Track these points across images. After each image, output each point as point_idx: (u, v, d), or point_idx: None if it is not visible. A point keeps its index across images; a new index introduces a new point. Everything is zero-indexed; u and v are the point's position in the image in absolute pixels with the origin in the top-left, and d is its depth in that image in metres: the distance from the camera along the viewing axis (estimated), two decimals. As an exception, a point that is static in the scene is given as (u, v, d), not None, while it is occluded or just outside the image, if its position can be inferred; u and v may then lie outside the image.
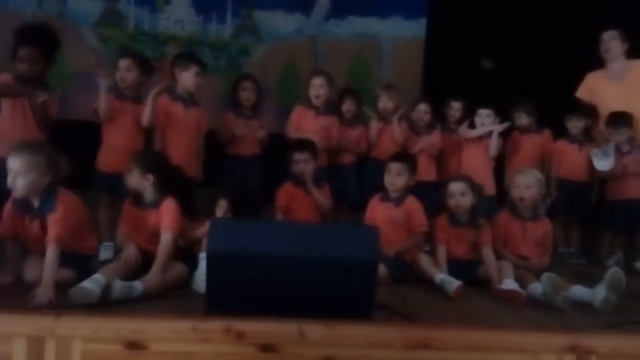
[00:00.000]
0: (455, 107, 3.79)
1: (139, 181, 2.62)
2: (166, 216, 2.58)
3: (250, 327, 1.72)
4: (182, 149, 3.15)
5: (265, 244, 2.03)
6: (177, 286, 2.50)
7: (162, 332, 1.69)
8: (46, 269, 2.25)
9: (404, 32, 5.30)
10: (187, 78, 3.23)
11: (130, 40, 5.05)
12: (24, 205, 2.44)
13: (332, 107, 3.67)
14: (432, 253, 2.89)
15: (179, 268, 2.56)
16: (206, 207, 2.83)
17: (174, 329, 1.70)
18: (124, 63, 3.13)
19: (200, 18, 5.17)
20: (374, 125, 3.63)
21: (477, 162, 3.50)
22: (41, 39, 2.96)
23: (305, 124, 3.56)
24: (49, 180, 2.42)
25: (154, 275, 2.41)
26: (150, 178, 2.61)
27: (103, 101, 3.04)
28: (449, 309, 2.46)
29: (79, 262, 2.52)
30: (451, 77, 4.57)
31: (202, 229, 2.64)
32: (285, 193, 3.12)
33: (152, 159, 2.74)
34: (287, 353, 1.73)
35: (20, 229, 2.47)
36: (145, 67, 3.20)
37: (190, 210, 2.76)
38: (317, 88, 3.57)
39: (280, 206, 3.09)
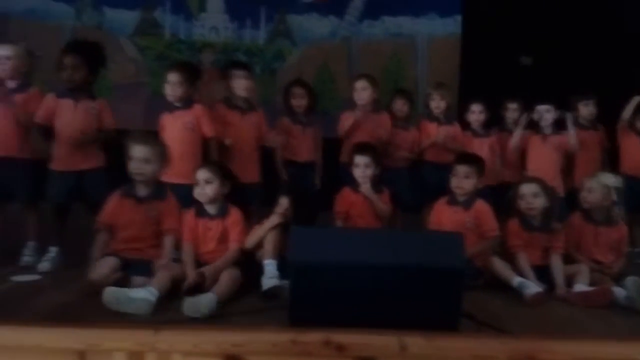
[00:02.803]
0: (512, 108, 3.68)
1: (219, 191, 2.62)
2: (235, 228, 2.60)
3: (350, 339, 1.66)
4: (241, 156, 3.15)
5: (349, 253, 1.98)
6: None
7: (261, 345, 1.65)
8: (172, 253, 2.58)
9: (439, 30, 5.22)
10: (239, 84, 3.22)
11: (168, 49, 5.05)
12: (131, 193, 2.64)
13: (380, 107, 3.60)
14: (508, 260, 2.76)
15: (236, 274, 2.51)
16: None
17: (273, 342, 1.65)
18: (173, 77, 3.08)
19: (235, 24, 5.15)
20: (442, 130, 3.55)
21: (543, 162, 3.39)
22: (85, 50, 2.98)
23: (355, 127, 3.50)
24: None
25: (224, 288, 2.36)
26: (228, 188, 2.62)
27: None
28: (529, 315, 2.37)
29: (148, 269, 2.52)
30: (489, 74, 4.48)
31: (256, 235, 2.62)
32: (344, 199, 3.05)
33: (225, 169, 2.74)
34: (387, 367, 1.67)
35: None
36: (194, 76, 3.15)
37: (246, 218, 2.75)
38: (360, 91, 3.52)
39: (339, 212, 3.02)
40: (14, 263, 2.81)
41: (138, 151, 2.59)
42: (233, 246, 2.59)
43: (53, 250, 2.82)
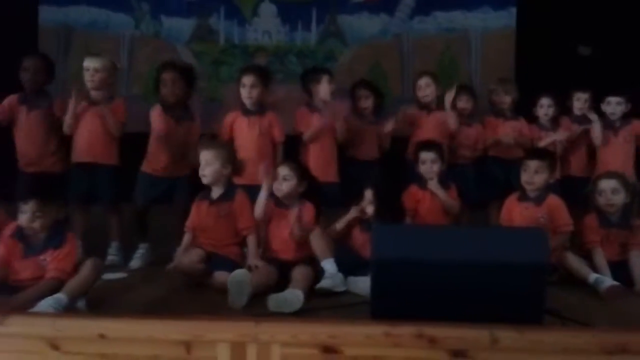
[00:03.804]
0: (583, 99, 3.62)
1: (295, 189, 2.77)
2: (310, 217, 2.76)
3: (442, 332, 1.73)
4: (322, 156, 3.29)
5: (432, 250, 2.03)
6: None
7: (355, 337, 1.73)
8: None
9: (493, 23, 5.18)
10: (322, 89, 3.34)
11: (222, 54, 5.22)
12: (206, 196, 2.81)
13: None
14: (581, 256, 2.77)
15: (309, 271, 2.63)
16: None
17: (367, 334, 1.72)
18: (248, 80, 3.23)
19: (287, 27, 5.26)
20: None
21: (615, 155, 3.37)
22: (179, 68, 3.24)
23: (420, 124, 3.58)
24: (228, 172, 2.79)
25: (300, 284, 2.48)
26: (304, 186, 2.76)
27: (70, 116, 3.13)
28: (608, 311, 2.38)
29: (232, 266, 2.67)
30: (545, 67, 4.44)
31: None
32: (411, 196, 3.12)
33: (304, 168, 2.88)
34: (478, 359, 1.73)
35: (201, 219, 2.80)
36: (267, 79, 3.30)
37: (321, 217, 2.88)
38: (424, 88, 3.59)
39: (407, 210, 3.09)
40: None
41: (200, 156, 2.77)
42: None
43: (143, 248, 3.03)
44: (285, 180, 2.75)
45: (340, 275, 2.58)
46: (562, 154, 3.55)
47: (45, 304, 2.12)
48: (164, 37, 5.15)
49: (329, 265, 2.62)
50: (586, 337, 1.74)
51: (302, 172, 2.81)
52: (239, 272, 2.39)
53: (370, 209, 2.83)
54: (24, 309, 2.13)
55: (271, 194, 2.78)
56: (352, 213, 2.82)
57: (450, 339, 1.73)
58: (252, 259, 2.70)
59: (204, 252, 2.68)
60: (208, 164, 2.73)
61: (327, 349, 1.72)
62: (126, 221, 3.18)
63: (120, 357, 1.76)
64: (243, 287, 2.35)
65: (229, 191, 2.82)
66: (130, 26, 5.14)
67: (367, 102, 3.58)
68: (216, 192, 2.80)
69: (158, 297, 2.44)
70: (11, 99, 3.25)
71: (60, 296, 2.16)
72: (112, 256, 3.11)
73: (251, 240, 2.77)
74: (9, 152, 3.30)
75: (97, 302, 2.38)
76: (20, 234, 2.36)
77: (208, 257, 2.68)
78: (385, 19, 5.26)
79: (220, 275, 2.56)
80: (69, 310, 2.18)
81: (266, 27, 5.26)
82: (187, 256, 2.64)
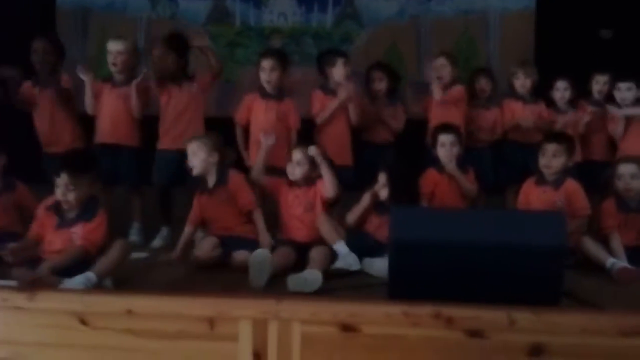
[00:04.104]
0: (602, 81, 3.61)
1: (307, 174, 2.86)
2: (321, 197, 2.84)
3: (459, 313, 1.77)
4: (336, 139, 3.33)
5: (449, 232, 2.07)
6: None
7: (375, 316, 1.77)
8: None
9: (513, 4, 5.11)
10: (337, 71, 3.36)
11: (238, 36, 5.24)
12: (203, 187, 2.85)
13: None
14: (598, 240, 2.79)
15: (328, 251, 2.71)
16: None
17: (385, 313, 1.77)
18: (267, 63, 3.27)
19: (303, 9, 5.25)
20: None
21: (635, 140, 3.33)
22: (169, 40, 3.26)
23: (433, 107, 3.59)
24: (216, 159, 2.82)
25: (318, 264, 2.54)
26: (318, 170, 2.84)
27: (90, 96, 3.22)
28: (625, 295, 2.41)
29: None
30: (565, 50, 4.40)
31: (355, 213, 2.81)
32: (429, 179, 3.15)
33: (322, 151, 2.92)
34: (495, 339, 1.76)
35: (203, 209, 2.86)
36: (285, 62, 3.33)
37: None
38: (439, 69, 3.58)
39: (425, 193, 3.12)
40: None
41: (187, 150, 2.84)
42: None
43: (165, 230, 3.13)
44: (298, 165, 2.81)
45: (353, 255, 2.64)
46: (583, 138, 3.55)
47: (76, 282, 2.21)
48: (180, 19, 5.17)
49: (340, 246, 2.68)
50: (604, 319, 1.77)
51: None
52: (260, 252, 2.46)
53: (384, 193, 2.87)
54: (52, 275, 2.23)
55: (286, 175, 2.84)
56: (365, 200, 2.85)
57: (467, 319, 1.77)
58: (263, 233, 2.79)
59: (216, 239, 2.75)
60: (194, 154, 2.80)
61: (346, 327, 1.78)
62: (148, 203, 3.27)
63: (147, 332, 1.83)
64: (264, 266, 2.41)
65: (222, 176, 2.87)
66: (147, 8, 5.16)
67: (381, 85, 3.60)
68: (211, 181, 2.87)
69: (180, 276, 2.53)
70: (25, 85, 3.35)
71: (90, 274, 2.26)
72: (133, 236, 3.20)
73: (257, 215, 2.85)
74: (32, 136, 3.40)
75: (121, 280, 2.47)
76: (55, 207, 2.50)
77: (222, 241, 2.75)
78: (402, 0, 5.22)
79: (239, 255, 2.64)
80: (96, 287, 2.27)
81: (282, 9, 5.25)
82: (200, 248, 2.71)
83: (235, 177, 2.89)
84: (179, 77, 3.24)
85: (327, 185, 2.78)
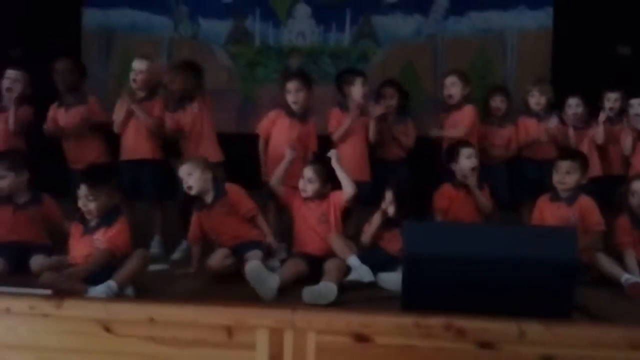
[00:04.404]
0: (613, 98, 3.67)
1: (318, 191, 2.98)
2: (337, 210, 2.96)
3: (470, 324, 1.81)
4: (353, 155, 3.43)
5: (462, 246, 2.12)
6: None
7: (387, 326, 1.82)
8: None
9: (530, 23, 5.17)
10: (355, 90, 3.46)
11: (257, 55, 5.40)
12: (201, 205, 2.98)
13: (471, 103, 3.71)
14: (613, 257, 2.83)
15: (342, 263, 2.79)
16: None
17: (398, 324, 1.83)
18: (293, 85, 3.39)
19: (321, 28, 5.39)
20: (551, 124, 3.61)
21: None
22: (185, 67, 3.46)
23: (444, 124, 3.68)
24: (210, 176, 2.98)
25: (333, 277, 2.62)
26: (329, 189, 2.98)
27: (120, 118, 3.41)
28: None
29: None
30: (583, 67, 4.44)
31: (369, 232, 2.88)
32: (445, 194, 3.21)
33: (328, 170, 3.02)
34: (505, 351, 1.81)
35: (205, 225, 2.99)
36: (309, 82, 3.46)
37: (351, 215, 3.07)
38: (449, 87, 3.67)
39: (439, 208, 3.19)
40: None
41: (181, 171, 2.99)
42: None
43: (185, 242, 3.24)
44: (309, 183, 2.91)
45: (365, 267, 2.70)
46: (602, 153, 3.59)
47: (98, 290, 2.32)
48: (202, 39, 5.34)
49: (353, 260, 2.75)
50: (615, 333, 1.80)
51: (326, 174, 2.95)
52: (250, 264, 2.53)
53: (391, 209, 2.93)
54: (78, 281, 2.35)
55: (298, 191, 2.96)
56: (376, 219, 2.94)
57: (478, 330, 1.82)
58: (269, 236, 2.91)
59: (227, 249, 2.85)
60: (189, 175, 2.93)
61: (360, 338, 1.84)
62: (169, 217, 3.40)
63: (168, 339, 1.92)
64: (261, 275, 2.48)
65: (220, 190, 3.00)
66: (169, 28, 5.34)
67: (391, 101, 3.69)
68: (208, 197, 2.98)
69: (198, 287, 2.62)
70: (52, 108, 3.55)
71: (111, 283, 2.38)
72: (154, 249, 3.32)
73: (260, 219, 2.96)
74: (61, 153, 3.58)
75: (142, 290, 2.57)
76: (81, 217, 2.67)
77: (233, 250, 2.85)
78: (419, 19, 5.32)
79: (250, 256, 2.75)
80: (118, 296, 2.38)
81: (300, 29, 5.39)
82: (212, 259, 2.81)
83: (232, 188, 3.03)
84: (182, 100, 3.41)
85: (345, 185, 2.88)
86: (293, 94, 3.38)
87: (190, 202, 3.04)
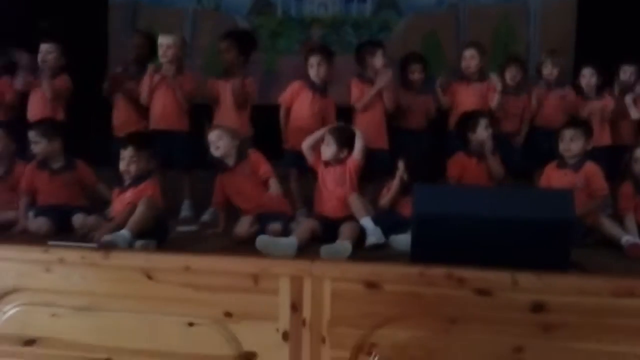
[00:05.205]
0: (629, 72, 3.84)
1: (336, 155, 3.21)
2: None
3: (469, 274, 2.08)
4: (372, 124, 3.67)
5: (467, 206, 2.37)
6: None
7: (395, 275, 2.11)
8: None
9: (554, -9, 5.29)
10: (376, 61, 3.70)
11: (280, 26, 5.62)
12: (224, 167, 3.24)
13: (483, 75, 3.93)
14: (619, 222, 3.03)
15: (357, 226, 3.05)
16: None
17: (404, 274, 2.11)
18: (315, 59, 3.63)
19: (343, -1, 5.59)
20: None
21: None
22: (236, 36, 3.69)
23: (460, 95, 3.90)
24: (237, 144, 3.25)
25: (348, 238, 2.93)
26: (345, 153, 3.22)
27: (146, 89, 3.70)
28: (638, 269, 2.66)
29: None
30: (608, 37, 4.51)
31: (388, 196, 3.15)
32: (457, 163, 3.45)
33: (349, 135, 3.27)
34: (501, 297, 2.07)
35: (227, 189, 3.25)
36: (331, 56, 3.69)
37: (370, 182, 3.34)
38: (468, 60, 3.87)
39: (452, 176, 3.42)
40: (175, 217, 3.58)
41: (211, 135, 3.24)
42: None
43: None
44: (327, 146, 3.17)
45: (378, 228, 2.97)
46: (612, 123, 3.78)
47: (111, 237, 2.67)
48: (224, 11, 5.59)
49: (367, 222, 3.00)
50: (599, 282, 2.06)
51: (344, 139, 3.18)
52: (259, 239, 2.76)
53: (405, 176, 3.20)
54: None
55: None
56: (395, 185, 3.21)
57: (476, 279, 2.10)
58: (280, 197, 3.18)
59: (252, 216, 3.12)
60: (220, 138, 3.18)
61: (370, 285, 2.13)
62: (197, 183, 3.73)
63: (201, 286, 2.24)
64: (270, 248, 2.71)
65: (242, 154, 3.26)
66: (192, 0, 5.58)
67: (417, 75, 3.91)
68: (231, 161, 3.24)
69: (226, 246, 2.95)
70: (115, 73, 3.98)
71: (125, 232, 2.72)
72: (185, 212, 3.67)
73: (273, 181, 3.20)
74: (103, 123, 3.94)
75: (175, 246, 2.91)
76: (119, 179, 3.04)
77: (258, 218, 3.13)
78: (441, -12, 5.48)
79: (273, 227, 3.02)
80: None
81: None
82: (239, 227, 3.09)
83: (254, 152, 3.30)
84: (231, 73, 3.68)
85: (357, 144, 3.14)
86: (315, 67, 3.60)
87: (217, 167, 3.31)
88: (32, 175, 3.39)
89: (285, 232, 3.01)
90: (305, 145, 3.26)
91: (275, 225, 3.03)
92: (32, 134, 3.37)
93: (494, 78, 3.78)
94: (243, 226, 3.08)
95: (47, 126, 3.43)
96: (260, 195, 3.21)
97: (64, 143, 3.43)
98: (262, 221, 3.11)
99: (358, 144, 3.15)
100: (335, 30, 5.52)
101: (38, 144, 3.35)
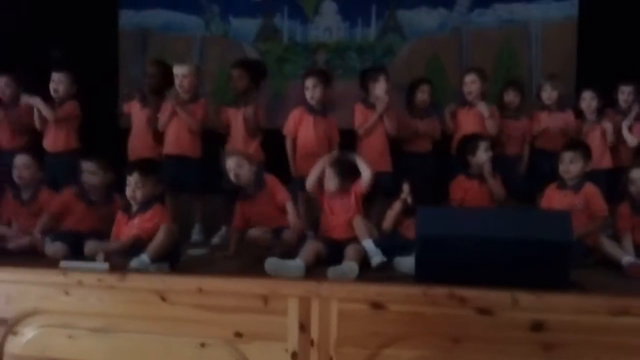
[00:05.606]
0: (627, 92, 3.97)
1: (339, 186, 3.33)
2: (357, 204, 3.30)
3: (470, 293, 2.20)
4: (375, 147, 3.82)
5: (468, 228, 2.50)
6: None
7: (399, 295, 2.23)
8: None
9: (554, 14, 5.33)
10: (379, 87, 3.86)
11: (285, 52, 5.80)
12: (245, 195, 3.37)
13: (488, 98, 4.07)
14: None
15: (361, 248, 3.14)
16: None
17: (408, 294, 2.23)
18: (310, 82, 3.79)
19: (347, 24, 5.71)
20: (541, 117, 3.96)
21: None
22: (248, 64, 3.85)
23: (461, 119, 4.05)
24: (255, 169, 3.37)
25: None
26: (349, 182, 3.35)
27: (165, 117, 3.87)
28: (637, 288, 2.76)
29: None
30: (609, 59, 4.62)
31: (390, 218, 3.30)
32: (459, 186, 3.57)
33: (350, 166, 3.37)
34: (501, 316, 2.19)
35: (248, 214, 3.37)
36: (327, 79, 3.86)
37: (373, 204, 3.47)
38: (469, 84, 4.02)
39: (455, 199, 3.55)
40: (186, 240, 3.71)
41: (230, 162, 3.34)
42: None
43: (223, 229, 3.72)
44: (330, 180, 3.29)
45: (378, 250, 3.07)
46: (613, 146, 3.90)
47: (133, 262, 2.76)
48: (232, 37, 5.76)
49: (368, 244, 3.10)
50: (596, 300, 2.18)
51: (345, 170, 3.30)
52: (267, 262, 2.82)
53: (409, 199, 3.31)
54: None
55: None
56: (397, 207, 3.32)
57: (477, 299, 2.22)
58: (296, 220, 3.29)
59: (268, 227, 3.26)
60: (240, 166, 3.29)
61: (376, 305, 2.26)
62: (208, 207, 3.87)
63: (213, 307, 2.37)
64: (279, 268, 2.79)
65: (259, 181, 3.38)
66: (201, 27, 5.75)
67: (426, 96, 4.07)
68: (250, 188, 3.36)
69: (237, 267, 3.08)
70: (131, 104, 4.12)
71: (144, 257, 2.80)
72: (195, 235, 3.81)
73: (289, 206, 3.33)
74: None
75: (186, 269, 3.04)
76: (126, 206, 3.12)
77: (273, 231, 3.26)
78: (444, 12, 5.56)
79: (285, 234, 3.17)
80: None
81: (327, 24, 5.72)
82: (255, 230, 3.23)
83: (269, 178, 3.42)
84: (242, 101, 3.85)
85: (364, 172, 3.24)
86: (311, 89, 3.76)
87: (235, 193, 3.43)
88: (69, 201, 3.47)
89: (298, 245, 3.12)
90: (309, 184, 3.38)
91: (288, 234, 3.16)
92: (88, 165, 3.44)
93: (482, 106, 3.93)
94: (257, 231, 3.23)
95: (107, 159, 3.50)
96: (279, 217, 3.35)
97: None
98: (274, 232, 3.25)
99: (366, 173, 3.25)
100: (339, 55, 5.68)
101: (95, 175, 3.43)
